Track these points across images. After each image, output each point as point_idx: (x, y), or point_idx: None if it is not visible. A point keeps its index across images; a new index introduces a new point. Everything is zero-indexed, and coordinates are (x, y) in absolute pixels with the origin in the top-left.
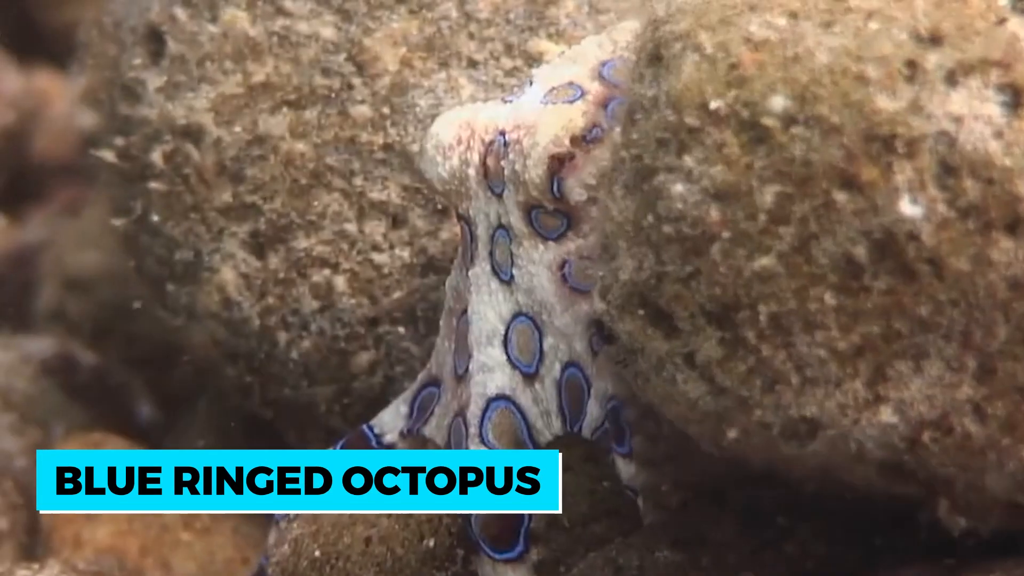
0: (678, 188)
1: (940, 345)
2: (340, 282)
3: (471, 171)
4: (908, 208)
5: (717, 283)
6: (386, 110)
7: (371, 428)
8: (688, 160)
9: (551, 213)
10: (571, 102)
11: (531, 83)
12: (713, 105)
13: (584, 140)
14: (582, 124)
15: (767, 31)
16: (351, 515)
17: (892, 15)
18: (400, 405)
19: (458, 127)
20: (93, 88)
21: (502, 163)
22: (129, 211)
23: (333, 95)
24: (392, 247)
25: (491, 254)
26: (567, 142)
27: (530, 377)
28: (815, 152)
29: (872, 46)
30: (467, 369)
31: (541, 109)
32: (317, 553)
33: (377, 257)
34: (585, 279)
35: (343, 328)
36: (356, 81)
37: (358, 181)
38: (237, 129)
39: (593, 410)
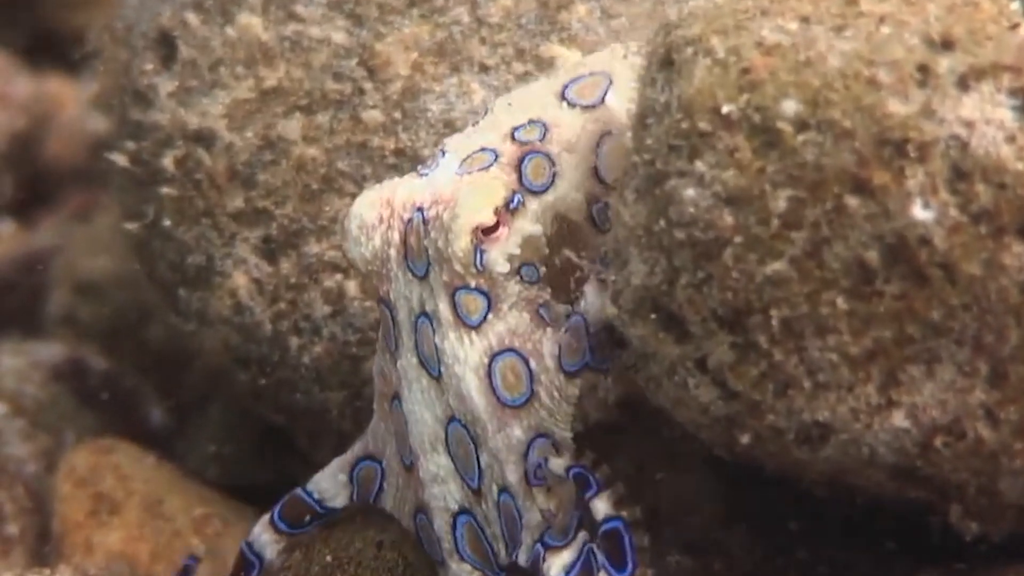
0: (690, 193)
1: (952, 350)
2: (351, 287)
3: (392, 251)
4: (920, 212)
5: (729, 288)
6: (398, 115)
7: (309, 493)
8: (700, 165)
9: (472, 291)
10: (487, 168)
11: (444, 153)
12: (725, 109)
13: (507, 208)
14: (504, 193)
15: (779, 35)
16: (363, 520)
17: (904, 20)
18: (338, 473)
19: (379, 206)
20: (104, 93)
21: (424, 242)
22: (141, 216)
23: (345, 100)
24: None
25: (416, 345)
26: (489, 212)
27: (476, 493)
28: (827, 156)
29: (884, 51)
30: (413, 464)
31: (458, 180)
32: (329, 558)
33: None
34: (510, 384)
35: (354, 333)
36: (368, 86)
37: (369, 186)
38: (249, 134)
39: (527, 540)
